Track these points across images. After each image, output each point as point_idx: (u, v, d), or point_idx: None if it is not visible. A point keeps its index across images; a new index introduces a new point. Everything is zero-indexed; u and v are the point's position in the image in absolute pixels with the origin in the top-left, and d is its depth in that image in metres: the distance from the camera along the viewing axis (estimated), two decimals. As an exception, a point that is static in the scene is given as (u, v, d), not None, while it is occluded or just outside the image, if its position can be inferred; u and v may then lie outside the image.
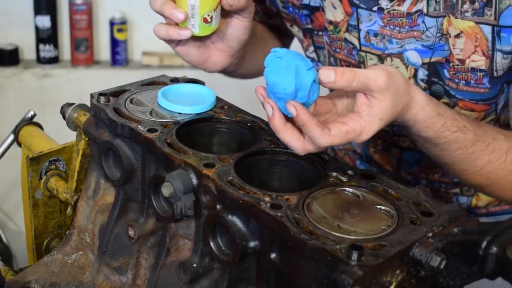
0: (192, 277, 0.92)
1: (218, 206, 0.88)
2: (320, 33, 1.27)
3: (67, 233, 1.15)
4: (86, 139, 1.11)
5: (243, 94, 2.60)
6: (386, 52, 1.17)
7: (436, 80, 1.14)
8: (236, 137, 1.04)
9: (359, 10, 1.17)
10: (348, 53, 1.23)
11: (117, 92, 1.08)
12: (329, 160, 0.95)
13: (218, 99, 1.09)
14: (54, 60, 2.58)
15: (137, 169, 1.01)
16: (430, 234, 0.80)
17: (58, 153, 1.21)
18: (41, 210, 1.22)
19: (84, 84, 2.52)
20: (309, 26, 1.27)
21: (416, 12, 1.11)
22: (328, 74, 0.85)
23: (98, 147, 1.06)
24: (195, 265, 0.92)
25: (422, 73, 1.15)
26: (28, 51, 2.61)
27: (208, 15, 1.06)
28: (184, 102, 1.06)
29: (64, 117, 1.14)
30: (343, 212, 0.84)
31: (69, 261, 1.12)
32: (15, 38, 2.59)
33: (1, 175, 2.08)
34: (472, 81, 1.11)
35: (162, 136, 0.98)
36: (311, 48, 1.32)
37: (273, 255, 0.83)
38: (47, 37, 2.54)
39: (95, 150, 1.08)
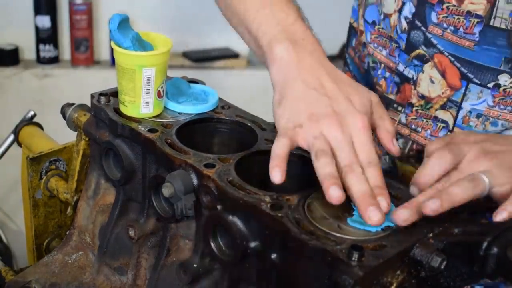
0: (192, 277, 0.92)
1: (218, 207, 0.88)
2: (400, 108, 1.13)
3: (67, 233, 1.15)
4: (87, 139, 1.11)
5: (243, 94, 2.60)
6: None
7: None
8: (237, 137, 1.04)
9: (470, 85, 1.04)
10: (431, 135, 1.10)
11: (117, 92, 1.08)
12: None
13: (219, 99, 1.09)
14: (54, 60, 2.58)
15: (138, 169, 1.01)
16: (431, 235, 0.80)
17: (58, 153, 1.21)
18: (41, 210, 1.22)
19: (84, 84, 2.52)
20: (392, 96, 1.14)
21: None
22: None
23: (98, 147, 1.06)
24: (195, 265, 0.92)
25: None
26: (28, 51, 2.61)
27: (161, 87, 1.02)
28: (186, 100, 1.06)
29: (64, 117, 1.14)
30: (344, 213, 0.84)
31: (70, 261, 1.12)
32: (15, 38, 2.58)
33: (1, 175, 2.07)
34: None
35: (163, 136, 0.98)
36: None
37: (273, 256, 0.83)
38: (47, 37, 2.54)
39: (96, 150, 1.08)
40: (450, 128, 1.08)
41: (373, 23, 1.17)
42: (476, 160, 0.86)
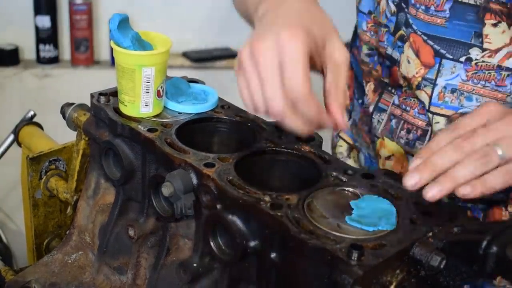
0: (192, 276, 0.92)
1: (218, 206, 0.88)
2: (393, 90, 1.17)
3: (67, 233, 1.15)
4: (86, 139, 1.11)
5: (243, 94, 2.60)
6: (460, 111, 1.07)
7: None
8: (236, 136, 1.04)
9: (443, 61, 1.06)
10: (418, 113, 1.12)
11: (117, 92, 1.08)
12: (329, 159, 0.95)
13: (218, 99, 1.09)
14: (54, 60, 2.58)
15: (137, 169, 1.01)
16: (430, 234, 0.80)
17: (58, 153, 1.21)
18: (41, 210, 1.22)
19: (84, 84, 2.51)
20: (386, 80, 1.18)
21: (507, 69, 1.02)
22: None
23: (98, 147, 1.06)
24: (195, 264, 0.92)
25: None
26: (28, 51, 2.60)
27: (161, 87, 1.02)
28: (185, 100, 1.06)
29: (64, 117, 1.14)
30: (343, 212, 0.84)
31: (69, 261, 1.12)
32: (15, 38, 2.58)
33: (1, 175, 2.08)
34: None
35: (162, 136, 0.98)
36: (370, 109, 1.21)
37: (273, 255, 0.83)
38: (47, 37, 2.54)
39: (95, 150, 1.08)
40: (427, 107, 1.10)
41: (369, 12, 1.20)
42: (504, 120, 0.84)
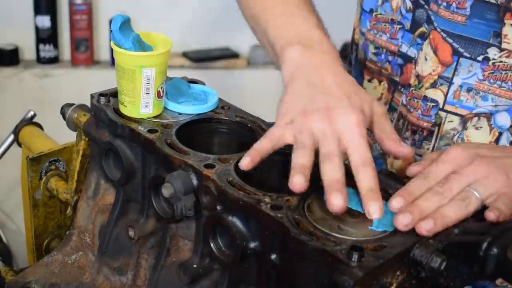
0: (192, 278, 0.92)
1: (218, 207, 0.88)
2: (402, 89, 1.16)
3: (67, 233, 1.15)
4: (86, 139, 1.11)
5: (243, 94, 2.60)
6: (475, 111, 1.07)
7: None
8: (237, 137, 1.04)
9: (461, 60, 1.06)
10: (422, 114, 1.12)
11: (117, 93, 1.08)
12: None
13: (218, 99, 1.09)
14: (54, 60, 2.58)
15: (137, 169, 1.01)
16: (431, 235, 0.80)
17: (58, 154, 1.21)
18: (41, 210, 1.22)
19: (84, 84, 2.52)
20: (397, 78, 1.18)
21: None
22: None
23: (98, 147, 1.06)
24: (195, 265, 0.92)
25: (506, 139, 1.07)
26: (28, 51, 2.61)
27: (161, 87, 1.02)
28: (186, 100, 1.06)
29: (64, 118, 1.14)
30: (344, 213, 0.84)
31: (69, 262, 1.12)
32: (15, 38, 2.58)
33: (1, 175, 2.07)
34: None
35: (162, 137, 0.98)
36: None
37: (273, 256, 0.83)
38: (47, 37, 2.54)
39: (95, 150, 1.08)
40: (441, 106, 1.10)
41: (371, 11, 1.20)
42: (473, 164, 0.87)
